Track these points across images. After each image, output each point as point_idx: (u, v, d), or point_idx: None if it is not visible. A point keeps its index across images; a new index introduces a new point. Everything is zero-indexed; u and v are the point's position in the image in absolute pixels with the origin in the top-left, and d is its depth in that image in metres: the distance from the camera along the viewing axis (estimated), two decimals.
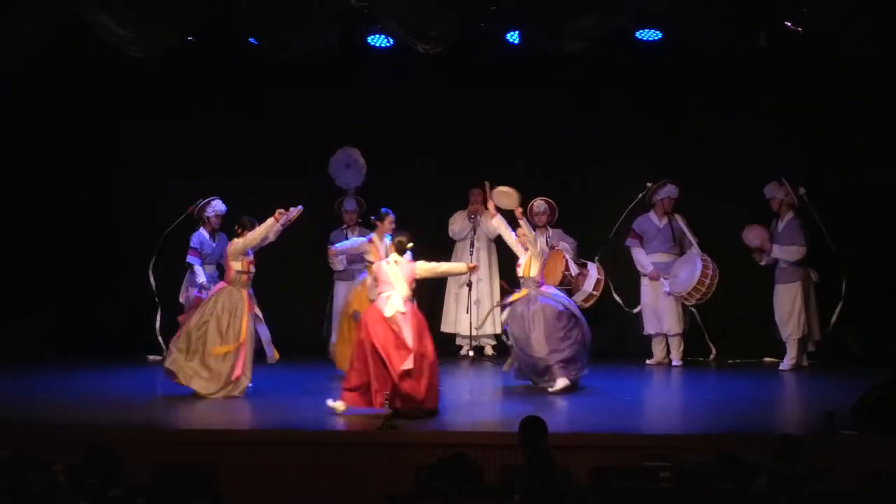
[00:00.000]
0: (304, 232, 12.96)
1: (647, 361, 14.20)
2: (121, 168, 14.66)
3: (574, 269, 13.12)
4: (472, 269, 11.79)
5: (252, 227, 11.81)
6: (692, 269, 13.63)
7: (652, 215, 14.08)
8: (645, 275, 14.07)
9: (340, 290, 14.06)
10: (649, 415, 11.56)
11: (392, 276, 11.01)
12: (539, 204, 13.65)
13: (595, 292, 13.30)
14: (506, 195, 11.99)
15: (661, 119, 14.31)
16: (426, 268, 11.18)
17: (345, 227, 14.16)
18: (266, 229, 11.75)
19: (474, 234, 14.40)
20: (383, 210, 12.61)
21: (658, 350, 14.22)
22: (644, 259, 14.02)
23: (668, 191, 14.03)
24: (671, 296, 13.91)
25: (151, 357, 13.90)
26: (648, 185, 13.90)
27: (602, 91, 14.34)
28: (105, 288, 14.54)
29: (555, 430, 8.46)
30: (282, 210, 11.67)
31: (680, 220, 13.91)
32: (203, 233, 13.69)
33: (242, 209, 12.46)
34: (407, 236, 11.22)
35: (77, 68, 13.95)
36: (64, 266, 14.43)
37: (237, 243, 11.84)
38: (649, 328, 14.18)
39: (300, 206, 11.64)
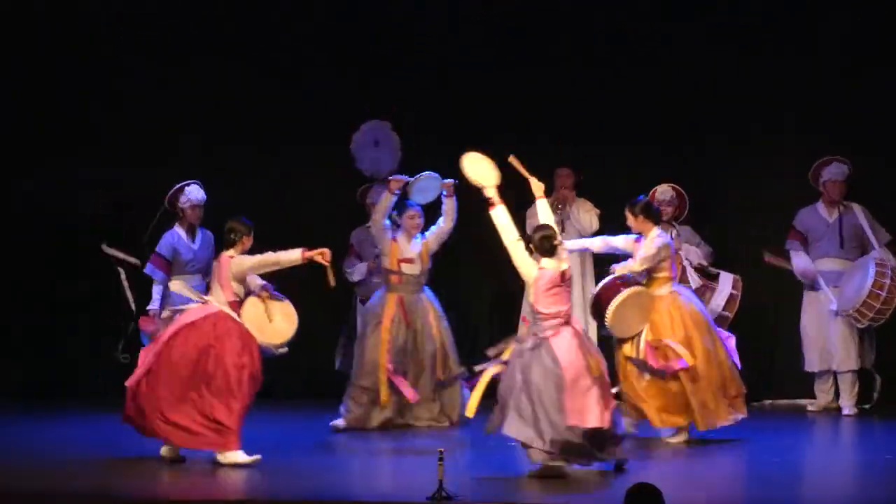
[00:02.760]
0: (309, 230, 12.06)
1: (809, 408, 12.71)
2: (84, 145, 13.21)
3: (696, 281, 11.86)
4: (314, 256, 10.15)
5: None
6: (862, 277, 12.02)
7: (820, 206, 12.56)
8: (804, 279, 12.48)
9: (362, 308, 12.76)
10: (810, 481, 10.32)
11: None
12: (665, 191, 12.24)
13: (727, 313, 11.95)
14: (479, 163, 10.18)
15: (833, 66, 12.83)
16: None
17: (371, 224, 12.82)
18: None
19: (562, 230, 12.65)
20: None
21: (823, 392, 12.65)
22: (804, 264, 12.44)
23: (835, 172, 12.34)
24: (839, 316, 12.28)
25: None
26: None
27: (753, 30, 12.96)
28: (67, 307, 13.22)
29: (677, 503, 7.90)
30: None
31: (858, 213, 12.36)
32: (179, 232, 11.93)
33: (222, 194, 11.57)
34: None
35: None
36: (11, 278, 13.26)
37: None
38: (812, 363, 12.58)
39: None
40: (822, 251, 12.40)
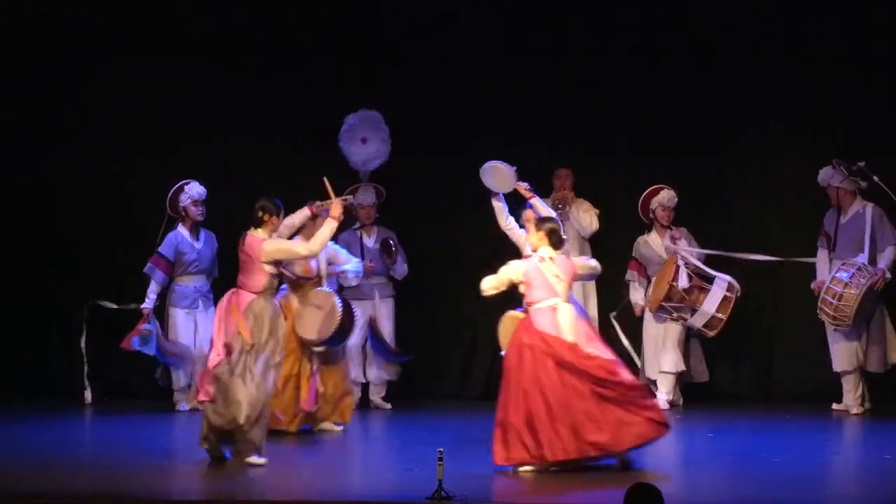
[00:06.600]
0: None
1: (834, 406, 12.34)
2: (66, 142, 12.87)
3: (684, 281, 11.74)
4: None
5: (279, 214, 9.77)
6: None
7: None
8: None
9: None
10: (811, 481, 10.01)
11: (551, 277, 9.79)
12: (667, 196, 12.18)
13: (720, 314, 11.84)
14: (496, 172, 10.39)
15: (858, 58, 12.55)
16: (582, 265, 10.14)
17: (358, 226, 12.44)
18: (300, 221, 10.38)
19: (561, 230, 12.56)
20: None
21: (851, 391, 12.24)
22: (823, 268, 12.14)
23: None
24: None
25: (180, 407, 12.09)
26: (859, 164, 11.94)
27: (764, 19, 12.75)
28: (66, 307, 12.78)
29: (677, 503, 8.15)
30: (319, 203, 10.29)
31: (869, 213, 11.96)
32: (182, 232, 11.76)
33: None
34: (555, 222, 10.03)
35: None
36: None
37: (273, 243, 9.74)
38: (840, 363, 12.17)
39: (349, 198, 10.50)
40: (841, 252, 11.99)
